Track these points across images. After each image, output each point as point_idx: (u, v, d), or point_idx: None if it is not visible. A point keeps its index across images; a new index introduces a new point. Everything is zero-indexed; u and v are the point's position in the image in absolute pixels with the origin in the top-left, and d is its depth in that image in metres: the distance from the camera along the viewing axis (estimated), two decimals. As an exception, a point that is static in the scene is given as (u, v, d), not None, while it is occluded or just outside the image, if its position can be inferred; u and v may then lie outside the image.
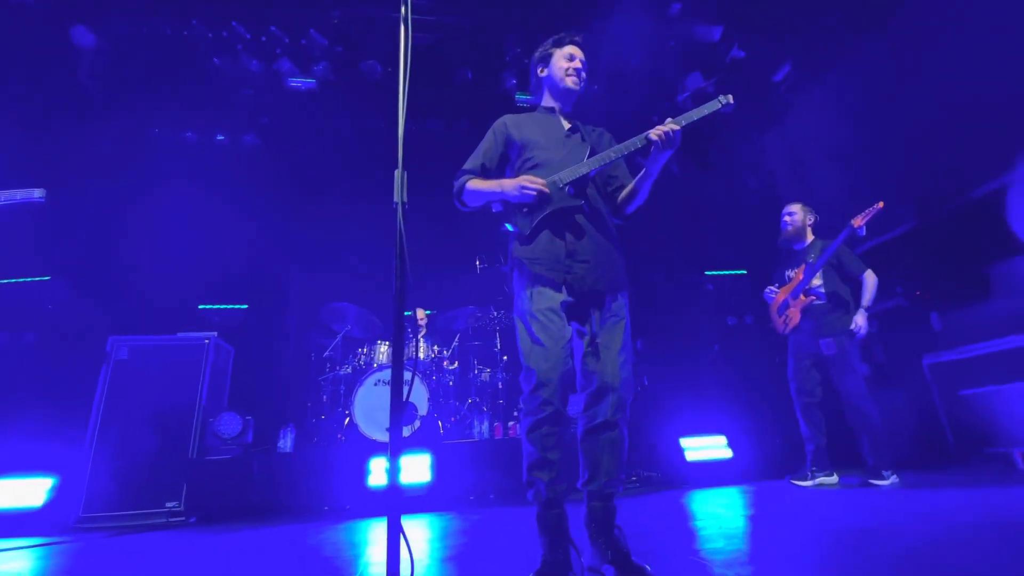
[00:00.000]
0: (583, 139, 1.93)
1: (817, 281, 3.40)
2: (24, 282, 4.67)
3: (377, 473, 3.48)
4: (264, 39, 5.40)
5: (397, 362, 1.11)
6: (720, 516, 2.49)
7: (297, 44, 5.52)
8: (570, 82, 1.98)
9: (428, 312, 4.94)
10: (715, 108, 1.74)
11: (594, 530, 1.60)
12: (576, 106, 2.07)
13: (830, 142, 5.76)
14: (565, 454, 1.66)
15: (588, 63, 2.02)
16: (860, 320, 3.25)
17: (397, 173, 1.24)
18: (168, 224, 5.36)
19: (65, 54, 5.22)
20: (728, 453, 3.89)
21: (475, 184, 1.87)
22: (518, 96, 6.20)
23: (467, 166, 1.96)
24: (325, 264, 5.18)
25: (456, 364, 4.70)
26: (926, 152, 4.83)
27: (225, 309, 5.67)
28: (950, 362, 3.91)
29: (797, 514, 2.41)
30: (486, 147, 1.99)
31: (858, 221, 3.19)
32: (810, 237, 3.63)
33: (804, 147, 6.10)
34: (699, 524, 2.36)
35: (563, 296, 1.71)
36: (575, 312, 1.75)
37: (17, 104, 5.27)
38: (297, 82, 5.91)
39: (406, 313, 1.25)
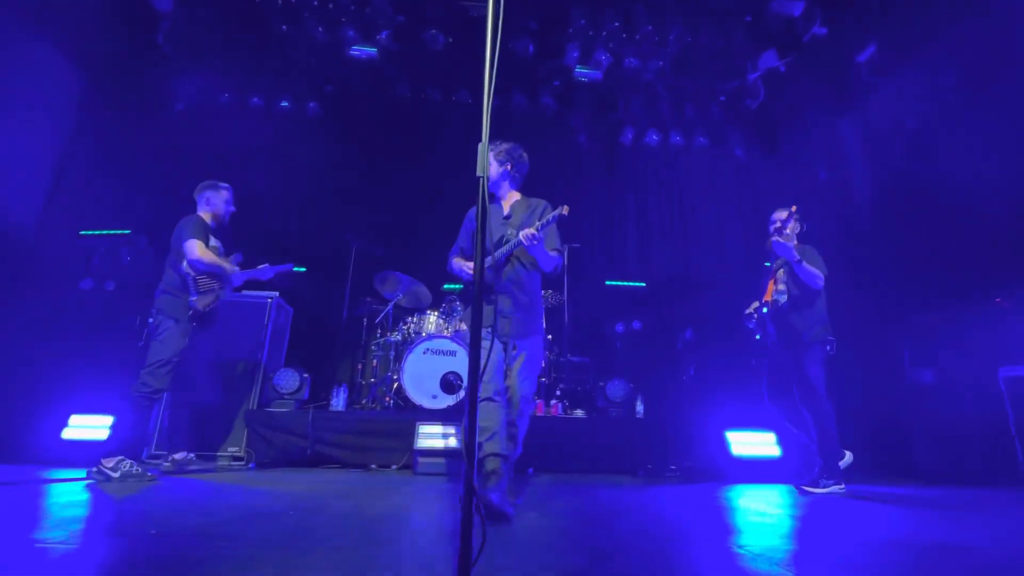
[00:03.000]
0: (511, 225, 2.56)
1: (781, 287, 3.36)
2: (107, 235, 5.01)
3: (424, 437, 3.59)
4: (331, 6, 5.45)
5: (475, 337, 1.13)
6: (763, 513, 2.44)
7: (362, 11, 5.55)
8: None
9: None
10: (556, 215, 2.33)
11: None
12: (524, 183, 2.75)
13: (915, 132, 5.33)
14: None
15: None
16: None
17: (480, 147, 1.23)
18: (235, 186, 5.59)
19: (147, 18, 5.46)
20: (777, 451, 3.78)
21: (456, 262, 2.68)
22: (578, 69, 6.04)
23: (453, 249, 2.76)
24: (380, 233, 5.30)
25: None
26: (1020, 148, 4.41)
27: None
28: (1031, 376, 3.62)
29: (843, 520, 2.33)
30: (461, 234, 2.78)
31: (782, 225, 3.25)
32: (794, 243, 3.40)
33: (885, 136, 5.68)
34: (740, 519, 2.32)
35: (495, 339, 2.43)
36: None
37: (101, 66, 5.56)
38: (358, 51, 5.97)
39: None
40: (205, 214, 3.39)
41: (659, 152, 6.60)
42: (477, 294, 1.17)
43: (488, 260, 2.42)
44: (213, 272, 3.19)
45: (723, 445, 3.80)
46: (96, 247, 4.95)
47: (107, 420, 3.81)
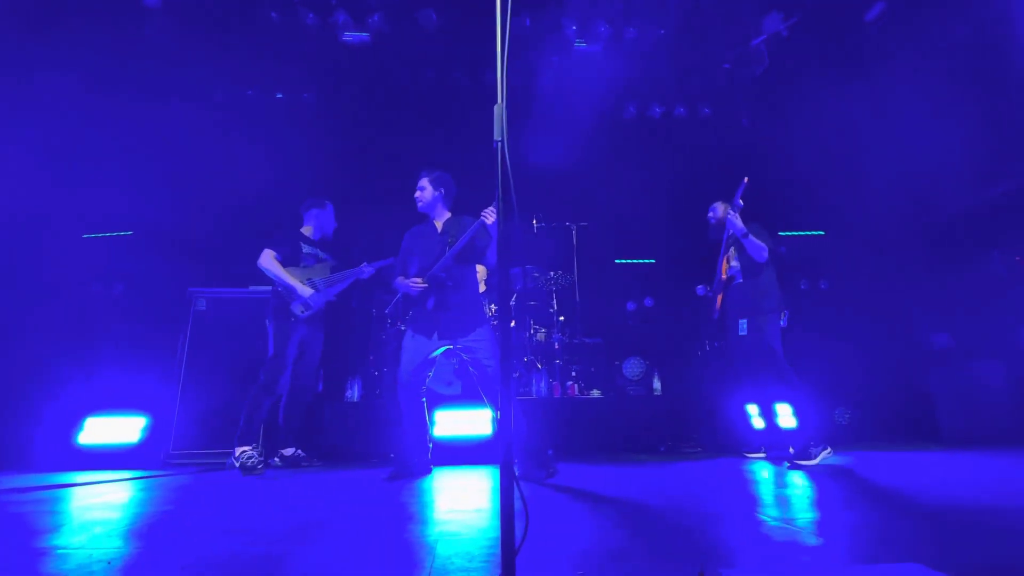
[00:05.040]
0: (449, 238, 2.88)
1: (734, 262, 3.46)
2: (110, 236, 4.96)
3: (441, 424, 3.55)
4: (321, -10, 5.31)
5: (504, 321, 1.06)
6: (791, 484, 2.39)
7: (352, -6, 5.41)
8: (418, 205, 3.08)
9: None
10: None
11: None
12: (455, 205, 3.12)
13: (928, 94, 5.16)
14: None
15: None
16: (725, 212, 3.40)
17: (496, 108, 1.15)
18: (234, 181, 5.52)
19: (134, 14, 5.33)
20: (794, 423, 3.72)
21: (399, 281, 3.00)
22: (576, 43, 5.88)
23: (396, 267, 3.10)
24: (384, 220, 5.21)
25: (513, 323, 4.69)
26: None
27: (290, 265, 5.85)
28: (1060, 333, 3.53)
29: (859, 486, 2.27)
30: (401, 255, 3.09)
31: (735, 199, 3.33)
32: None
33: (896, 100, 5.51)
34: (769, 491, 2.27)
35: (435, 340, 2.82)
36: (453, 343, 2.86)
37: (94, 67, 5.47)
38: (351, 36, 5.83)
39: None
40: (307, 228, 3.67)
41: (662, 125, 6.45)
42: (503, 282, 1.10)
43: (435, 268, 2.83)
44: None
45: (744, 419, 3.75)
46: (102, 250, 4.91)
47: (129, 421, 3.79)
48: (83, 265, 4.80)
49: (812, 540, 1.44)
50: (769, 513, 1.81)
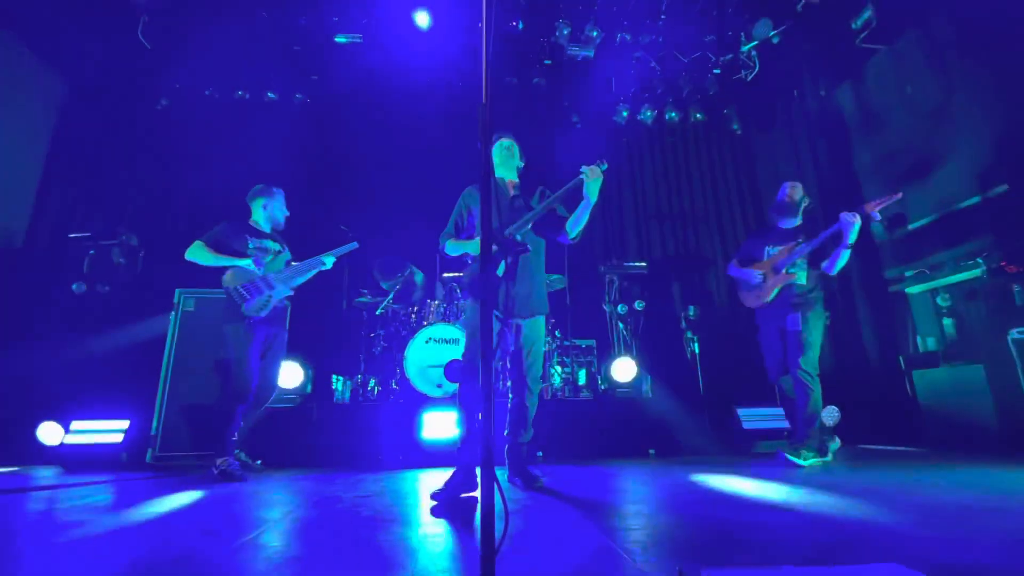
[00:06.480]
0: (524, 203, 2.68)
1: (800, 261, 3.32)
2: (97, 235, 4.89)
3: (430, 426, 3.53)
4: (313, -10, 5.30)
5: (486, 318, 1.06)
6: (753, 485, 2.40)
7: (345, -5, 5.39)
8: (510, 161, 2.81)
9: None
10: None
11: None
12: (523, 174, 2.88)
13: (915, 99, 5.22)
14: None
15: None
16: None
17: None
18: (224, 181, 5.47)
19: (127, 13, 5.29)
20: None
21: (454, 243, 2.68)
22: (569, 46, 5.90)
23: (446, 229, 2.74)
24: (375, 221, 5.20)
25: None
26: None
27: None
28: (1043, 338, 3.58)
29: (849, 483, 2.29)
30: (455, 214, 2.77)
31: (872, 207, 3.01)
32: (799, 219, 3.48)
33: (884, 106, 5.57)
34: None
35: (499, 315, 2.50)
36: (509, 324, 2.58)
37: (82, 65, 5.42)
38: (344, 38, 5.81)
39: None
40: (256, 219, 3.41)
41: (654, 128, 6.49)
42: (484, 266, 1.09)
43: (512, 228, 2.51)
44: (249, 278, 3.15)
45: (735, 421, 3.77)
46: (87, 250, 4.84)
47: (113, 423, 3.73)
48: (69, 264, 4.74)
49: (792, 539, 1.45)
50: (752, 514, 1.81)
